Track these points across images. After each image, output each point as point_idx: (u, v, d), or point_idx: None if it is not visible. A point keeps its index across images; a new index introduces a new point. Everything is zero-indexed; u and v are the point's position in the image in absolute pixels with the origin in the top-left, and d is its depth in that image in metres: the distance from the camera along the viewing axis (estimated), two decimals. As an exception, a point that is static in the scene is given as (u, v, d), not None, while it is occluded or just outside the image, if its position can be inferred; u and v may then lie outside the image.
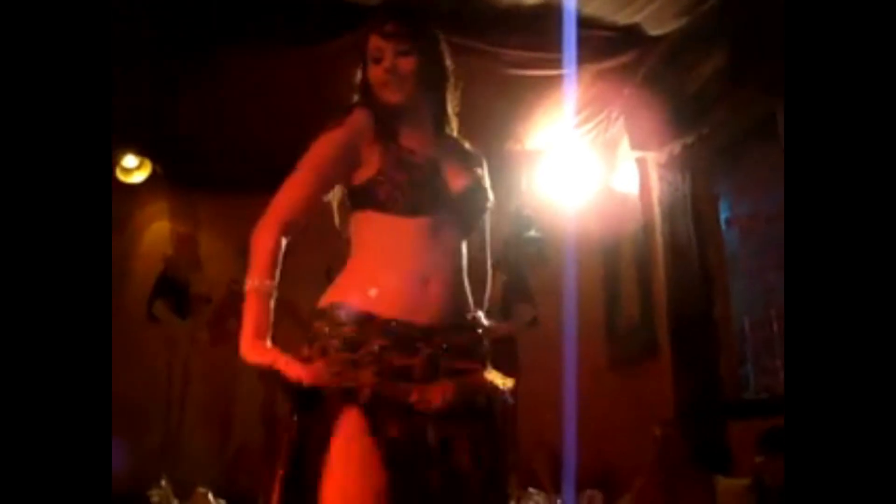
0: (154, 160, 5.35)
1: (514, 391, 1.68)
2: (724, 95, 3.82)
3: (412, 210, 1.61)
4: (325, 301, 1.62)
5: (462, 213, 1.70)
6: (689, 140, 4.22)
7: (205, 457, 5.39)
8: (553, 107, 4.65)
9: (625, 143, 4.88)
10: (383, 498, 1.47)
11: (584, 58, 3.85)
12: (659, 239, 4.61)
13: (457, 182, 1.70)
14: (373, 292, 1.56)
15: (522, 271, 5.78)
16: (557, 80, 4.18)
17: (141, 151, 5.29)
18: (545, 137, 5.12)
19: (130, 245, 5.78)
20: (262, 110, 4.74)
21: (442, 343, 1.57)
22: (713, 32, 3.77)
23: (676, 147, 4.32)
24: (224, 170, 5.42)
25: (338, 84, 4.55)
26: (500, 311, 5.72)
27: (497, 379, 1.68)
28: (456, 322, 1.63)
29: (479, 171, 1.78)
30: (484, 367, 1.67)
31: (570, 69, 3.91)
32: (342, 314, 1.55)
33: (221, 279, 5.74)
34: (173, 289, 5.66)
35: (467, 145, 1.84)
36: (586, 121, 4.77)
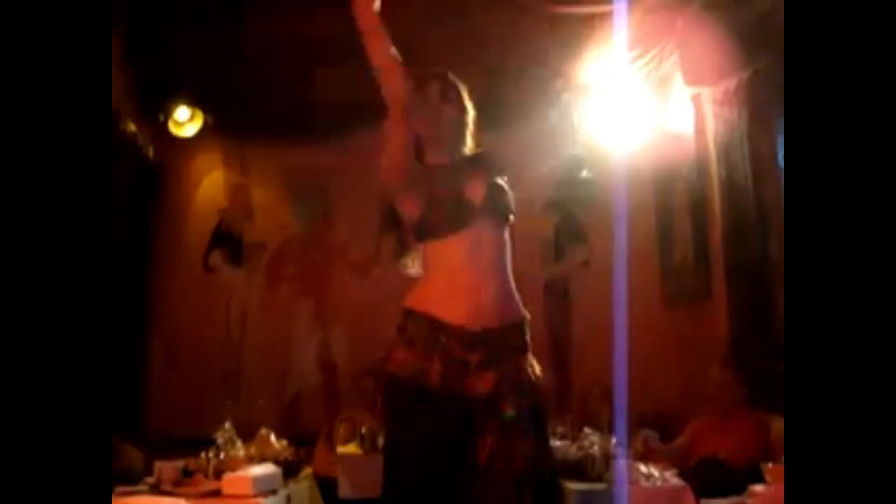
0: (205, 112, 5.41)
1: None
2: (780, 28, 3.67)
3: (451, 230, 1.99)
4: (409, 303, 2.02)
5: (489, 217, 2.04)
6: (745, 75, 4.08)
7: (266, 399, 5.56)
8: (604, 44, 4.53)
9: (679, 80, 4.74)
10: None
11: (634, -8, 3.74)
12: (714, 178, 4.50)
13: (477, 194, 2.04)
14: (441, 303, 1.97)
15: (575, 212, 5.74)
16: (608, 16, 4.07)
17: (193, 103, 5.35)
18: (597, 76, 5.02)
19: (185, 197, 5.90)
20: (311, 60, 4.74)
21: (494, 344, 1.97)
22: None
23: (732, 82, 4.18)
24: (273, 119, 5.46)
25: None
26: (554, 251, 5.72)
27: (535, 364, 2.04)
28: (506, 323, 2.00)
29: (494, 173, 2.11)
30: (526, 355, 2.04)
31: (619, 4, 3.80)
32: (422, 318, 1.97)
33: (274, 226, 5.83)
34: (228, 238, 5.79)
35: (479, 152, 2.20)
36: (638, 57, 4.64)
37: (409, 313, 2.00)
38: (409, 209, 2.04)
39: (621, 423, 3.49)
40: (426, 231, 2.02)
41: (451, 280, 1.98)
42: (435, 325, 1.95)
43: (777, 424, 3.49)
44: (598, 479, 3.11)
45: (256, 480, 2.96)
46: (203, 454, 3.26)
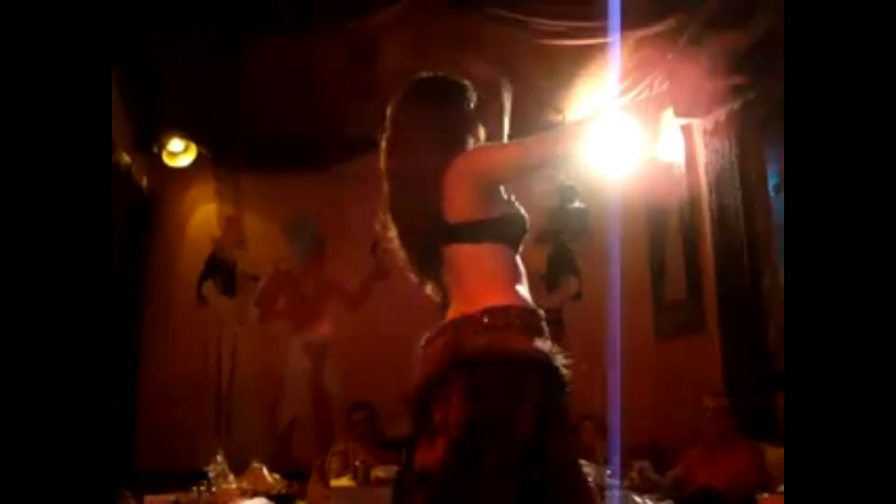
0: (199, 143, 5.43)
1: None
2: (770, 59, 3.73)
3: (513, 242, 2.01)
4: (485, 304, 1.90)
5: (521, 237, 2.08)
6: (735, 106, 4.13)
7: (258, 432, 5.51)
8: (595, 76, 4.58)
9: (669, 111, 4.79)
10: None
11: (624, 25, 3.78)
12: (705, 208, 4.54)
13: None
14: (521, 295, 1.94)
15: (567, 243, 5.75)
16: (598, 48, 4.12)
17: (186, 135, 5.37)
18: (588, 107, 5.06)
19: (179, 227, 5.90)
20: (302, 91, 4.77)
21: None
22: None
23: (722, 113, 4.23)
24: (266, 151, 5.48)
25: (376, 62, 4.54)
26: (546, 283, 5.72)
27: None
28: None
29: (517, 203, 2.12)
30: None
31: (613, 37, 3.85)
32: (512, 310, 1.89)
33: (266, 257, 5.84)
34: (221, 269, 5.79)
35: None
36: (629, 89, 4.69)
37: (490, 311, 1.89)
38: (484, 208, 1.97)
39: (616, 455, 3.47)
40: (493, 233, 1.98)
41: (513, 276, 1.97)
42: (532, 313, 1.93)
43: (771, 454, 3.48)
44: (594, 511, 3.09)
45: (249, 515, 2.93)
46: (194, 488, 3.23)
